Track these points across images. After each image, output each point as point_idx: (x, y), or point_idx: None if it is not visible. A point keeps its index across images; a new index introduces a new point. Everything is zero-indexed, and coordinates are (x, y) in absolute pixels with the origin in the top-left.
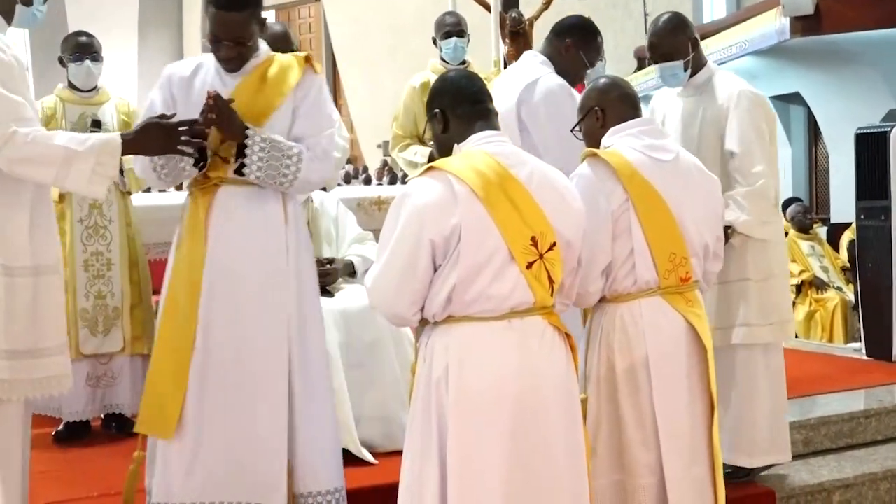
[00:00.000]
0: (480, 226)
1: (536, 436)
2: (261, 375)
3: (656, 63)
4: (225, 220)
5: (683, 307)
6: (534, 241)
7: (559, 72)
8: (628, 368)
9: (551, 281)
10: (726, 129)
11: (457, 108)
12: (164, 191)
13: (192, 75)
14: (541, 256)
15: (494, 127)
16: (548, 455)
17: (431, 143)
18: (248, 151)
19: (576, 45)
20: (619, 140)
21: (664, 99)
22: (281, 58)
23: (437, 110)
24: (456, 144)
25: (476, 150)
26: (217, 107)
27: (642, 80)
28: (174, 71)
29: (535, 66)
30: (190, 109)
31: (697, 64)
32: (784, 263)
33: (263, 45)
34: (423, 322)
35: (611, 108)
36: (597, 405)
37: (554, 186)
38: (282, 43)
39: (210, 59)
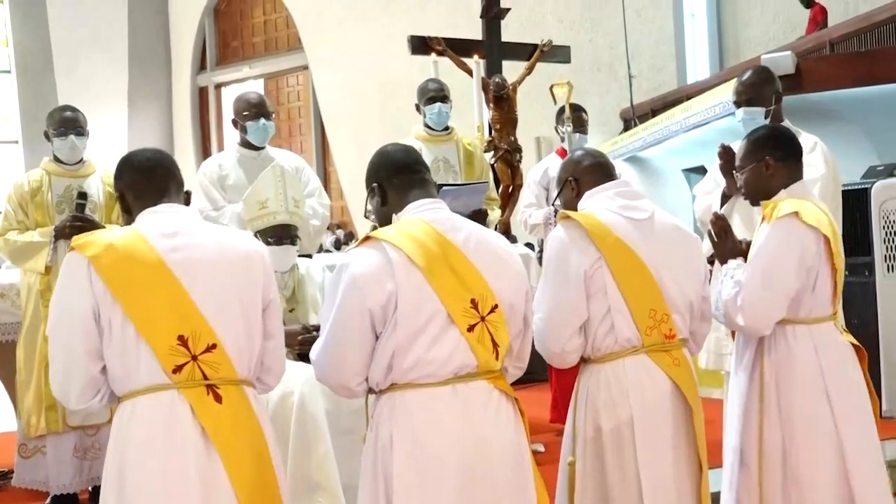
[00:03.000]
0: (417, 291)
1: (484, 502)
2: None
3: (738, 107)
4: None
5: (669, 365)
6: (474, 303)
7: None
8: (613, 428)
9: (495, 344)
10: None
11: (393, 179)
12: None
13: None
14: (482, 319)
15: (431, 195)
16: None
17: (369, 217)
18: None
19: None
20: (593, 202)
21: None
22: None
23: (374, 185)
24: (394, 215)
25: (412, 217)
26: None
27: (628, 142)
28: None
29: None
30: None
31: (777, 118)
32: None
33: None
34: (371, 392)
35: (584, 176)
36: (583, 467)
37: (492, 250)
38: (258, 109)
39: None
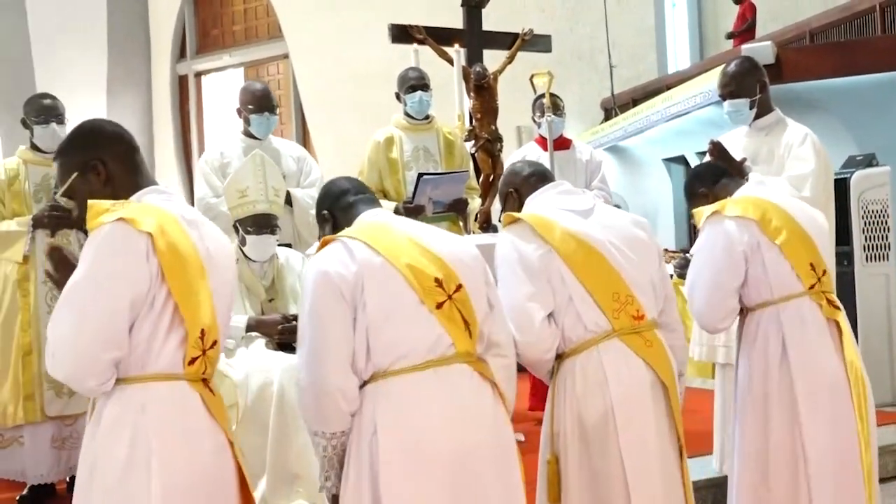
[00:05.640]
0: (381, 271)
1: (472, 487)
2: None
3: (724, 100)
4: None
5: (641, 347)
6: (438, 282)
7: None
8: (595, 417)
9: (466, 322)
10: (788, 160)
11: (340, 202)
12: None
13: None
14: (449, 297)
15: (377, 205)
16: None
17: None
18: None
19: None
20: (535, 204)
21: (728, 141)
22: None
23: (324, 212)
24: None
25: (365, 222)
26: None
27: (609, 131)
28: None
29: None
30: None
31: (765, 107)
32: None
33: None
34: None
35: (522, 185)
36: (566, 462)
37: (450, 238)
38: (265, 101)
39: None
